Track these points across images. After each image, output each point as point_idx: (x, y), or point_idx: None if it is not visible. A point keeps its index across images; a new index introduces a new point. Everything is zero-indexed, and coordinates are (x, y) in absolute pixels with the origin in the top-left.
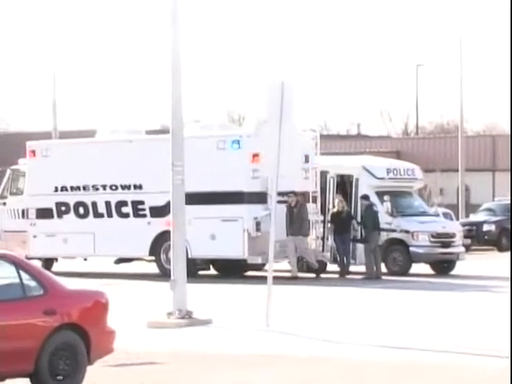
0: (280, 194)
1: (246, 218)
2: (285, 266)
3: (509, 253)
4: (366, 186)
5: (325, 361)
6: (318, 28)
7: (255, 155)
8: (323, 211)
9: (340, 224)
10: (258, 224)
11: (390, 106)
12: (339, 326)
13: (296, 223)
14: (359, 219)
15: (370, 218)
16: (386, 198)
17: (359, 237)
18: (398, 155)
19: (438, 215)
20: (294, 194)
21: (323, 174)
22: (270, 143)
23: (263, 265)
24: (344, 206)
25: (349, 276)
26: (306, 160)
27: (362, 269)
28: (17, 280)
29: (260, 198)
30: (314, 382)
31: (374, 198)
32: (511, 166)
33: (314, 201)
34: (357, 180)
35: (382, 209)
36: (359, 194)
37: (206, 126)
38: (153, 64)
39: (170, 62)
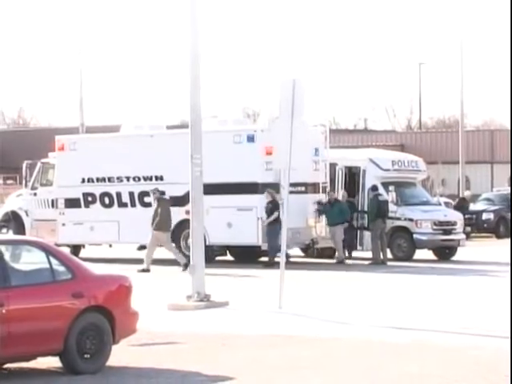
0: (291, 184)
1: (259, 208)
2: (296, 252)
3: (506, 239)
4: (372, 177)
5: (335, 341)
6: (328, 29)
7: (269, 148)
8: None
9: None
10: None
11: (394, 102)
12: (348, 308)
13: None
14: (366, 208)
15: (374, 207)
16: (391, 188)
17: (366, 225)
18: (402, 148)
19: (440, 204)
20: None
21: (332, 166)
22: (281, 137)
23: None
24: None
25: (351, 262)
26: (316, 153)
27: (369, 255)
28: (47, 265)
29: (273, 188)
30: (325, 362)
31: (379, 189)
32: (511, 159)
33: (324, 191)
34: (364, 171)
35: (388, 198)
36: (366, 185)
37: (223, 121)
38: (173, 63)
39: (189, 61)
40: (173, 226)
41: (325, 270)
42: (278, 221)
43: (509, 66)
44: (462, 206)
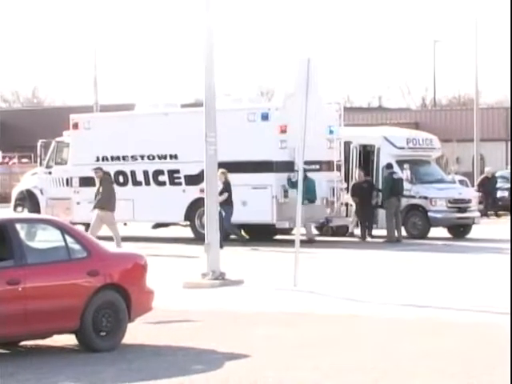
0: (306, 163)
1: (274, 186)
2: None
3: None
4: (387, 155)
5: (350, 319)
6: (343, 7)
7: (283, 127)
8: (347, 179)
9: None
10: (285, 191)
11: (409, 80)
12: (363, 285)
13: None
14: (380, 187)
15: (388, 186)
16: (405, 166)
17: (380, 203)
18: (416, 126)
19: (454, 182)
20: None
21: (347, 144)
22: (296, 115)
23: (291, 229)
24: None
25: (371, 239)
26: (331, 131)
27: (384, 233)
28: (62, 243)
29: (288, 166)
30: (341, 340)
31: (394, 167)
32: (511, 143)
33: (338, 169)
34: (378, 149)
35: (402, 176)
36: (380, 163)
37: (237, 100)
38: (187, 41)
39: (203, 39)
40: (188, 204)
41: (339, 247)
42: (229, 202)
43: None
44: (486, 183)
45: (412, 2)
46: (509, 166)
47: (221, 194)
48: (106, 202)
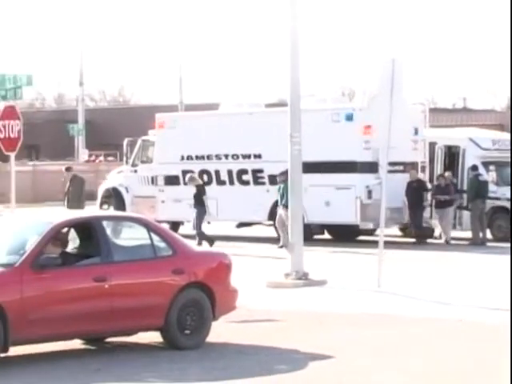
0: (390, 164)
1: (358, 186)
2: (394, 231)
3: None
4: (472, 157)
5: (433, 321)
6: (426, 7)
7: (367, 127)
8: (431, 180)
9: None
10: (369, 192)
11: (494, 81)
12: (447, 288)
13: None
14: (465, 188)
15: (473, 187)
16: (491, 168)
17: (465, 205)
18: (501, 128)
19: None
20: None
21: (431, 145)
22: (380, 116)
23: (374, 230)
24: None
25: (455, 242)
26: (416, 132)
27: (469, 235)
28: (148, 241)
29: (371, 167)
30: (424, 341)
31: (479, 168)
32: (511, 148)
33: (423, 170)
34: (463, 151)
35: (488, 178)
36: (466, 164)
37: (321, 100)
38: (272, 41)
39: (289, 40)
40: (272, 203)
41: (422, 249)
42: (202, 204)
43: None
44: None
45: (498, 2)
46: None
47: (195, 197)
48: (74, 203)
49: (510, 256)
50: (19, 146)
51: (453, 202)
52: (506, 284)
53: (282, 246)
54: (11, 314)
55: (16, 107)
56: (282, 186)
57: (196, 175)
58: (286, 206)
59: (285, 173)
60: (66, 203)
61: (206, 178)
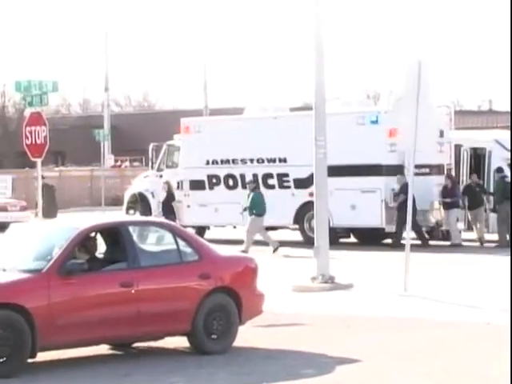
0: (416, 166)
1: (383, 190)
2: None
3: None
4: (498, 159)
5: (461, 324)
6: (451, 8)
7: (393, 130)
8: (458, 182)
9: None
10: (395, 195)
11: None
12: (474, 291)
13: None
14: (491, 190)
15: (500, 189)
16: None
17: (492, 207)
18: None
19: None
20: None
21: (457, 148)
22: (406, 119)
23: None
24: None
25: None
26: (441, 134)
27: (495, 237)
28: (174, 246)
29: (397, 170)
30: (452, 346)
31: (506, 170)
32: (511, 148)
33: (449, 173)
34: (489, 153)
35: None
36: (492, 166)
37: (346, 103)
38: (295, 45)
39: (313, 43)
40: (297, 207)
41: (450, 252)
42: (172, 211)
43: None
44: None
45: None
46: None
47: (167, 202)
48: (46, 210)
49: (510, 256)
50: (45, 151)
51: (457, 203)
52: None
53: (275, 250)
54: (39, 319)
55: (42, 113)
56: (252, 194)
57: (170, 183)
58: (259, 215)
59: (253, 181)
60: (38, 212)
61: (231, 182)
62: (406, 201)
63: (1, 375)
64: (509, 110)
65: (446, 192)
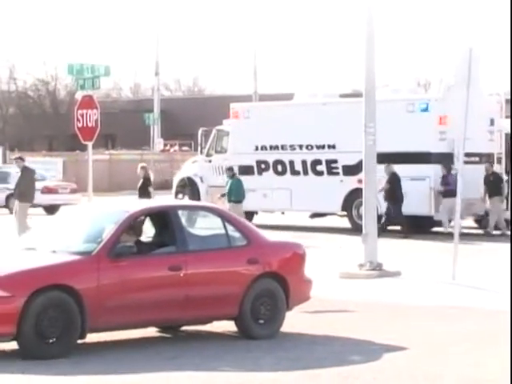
0: (466, 155)
1: (433, 177)
2: (470, 223)
3: None
4: None
5: (509, 314)
6: None
7: (443, 118)
8: (508, 172)
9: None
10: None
11: None
12: None
13: None
14: None
15: None
16: None
17: None
18: None
19: None
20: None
21: (507, 137)
22: (456, 107)
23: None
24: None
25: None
26: (492, 123)
27: None
28: (223, 231)
29: (446, 158)
30: (499, 334)
31: None
32: (511, 148)
33: (499, 162)
34: None
35: None
36: None
37: (396, 90)
38: (347, 31)
39: (364, 30)
40: (345, 194)
41: (498, 241)
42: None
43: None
44: None
45: None
46: None
47: (145, 187)
48: (23, 194)
49: (510, 255)
50: (96, 135)
51: (453, 192)
52: None
53: None
54: (88, 301)
55: (93, 97)
56: (230, 181)
57: (146, 166)
58: (237, 202)
59: (231, 168)
60: (15, 194)
61: (279, 168)
62: (389, 189)
63: (51, 355)
64: None
65: (443, 181)
